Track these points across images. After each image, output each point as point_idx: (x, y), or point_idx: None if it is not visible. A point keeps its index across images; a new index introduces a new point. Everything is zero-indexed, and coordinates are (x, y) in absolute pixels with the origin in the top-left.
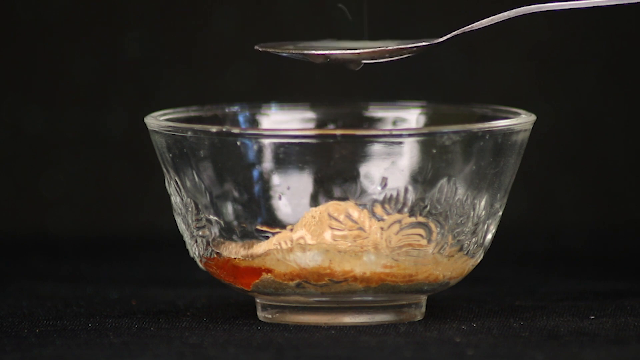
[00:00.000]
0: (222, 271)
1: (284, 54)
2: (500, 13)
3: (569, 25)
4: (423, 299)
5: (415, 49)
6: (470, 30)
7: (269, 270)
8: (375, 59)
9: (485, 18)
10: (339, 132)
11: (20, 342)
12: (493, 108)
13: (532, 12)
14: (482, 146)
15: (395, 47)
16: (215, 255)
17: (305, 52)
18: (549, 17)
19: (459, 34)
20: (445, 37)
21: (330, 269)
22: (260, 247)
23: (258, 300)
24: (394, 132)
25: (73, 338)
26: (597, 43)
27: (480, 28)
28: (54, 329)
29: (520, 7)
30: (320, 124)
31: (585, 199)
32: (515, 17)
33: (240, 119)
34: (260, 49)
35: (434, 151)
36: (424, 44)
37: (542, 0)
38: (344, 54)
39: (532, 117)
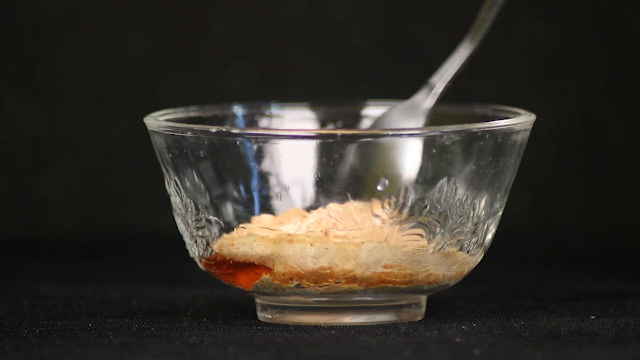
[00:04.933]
0: (222, 271)
1: None
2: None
3: (570, 25)
4: (423, 298)
5: None
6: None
7: (268, 270)
8: None
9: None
10: (339, 132)
11: (20, 342)
12: (493, 108)
13: None
14: (482, 146)
15: None
16: (215, 254)
17: None
18: (549, 17)
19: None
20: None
21: (330, 269)
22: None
23: (258, 301)
24: (394, 132)
25: (73, 338)
26: (597, 42)
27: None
28: (54, 329)
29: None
30: (320, 124)
31: (585, 198)
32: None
33: (240, 119)
34: None
35: (434, 151)
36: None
37: None
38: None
39: (532, 117)
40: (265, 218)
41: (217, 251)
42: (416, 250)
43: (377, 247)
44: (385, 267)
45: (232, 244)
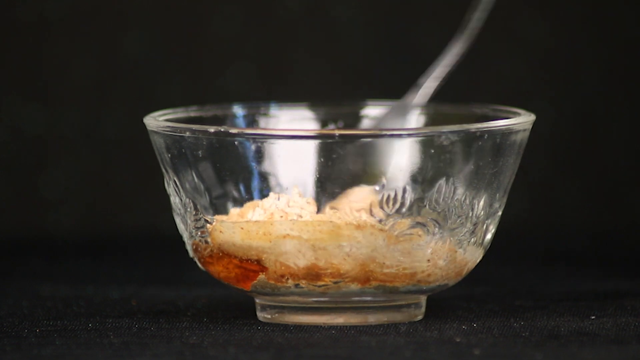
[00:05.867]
0: (222, 268)
1: None
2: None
3: (570, 25)
4: (423, 298)
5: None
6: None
7: (264, 269)
8: None
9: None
10: (338, 132)
11: (20, 342)
12: (493, 108)
13: None
14: (481, 146)
15: None
16: (207, 243)
17: None
18: (549, 17)
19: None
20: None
21: (326, 268)
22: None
23: (257, 301)
24: (393, 132)
25: (73, 338)
26: (597, 42)
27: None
28: (54, 329)
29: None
30: (321, 124)
31: (585, 198)
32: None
33: (240, 119)
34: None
35: (432, 151)
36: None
37: None
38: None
39: (531, 117)
40: (234, 211)
41: (209, 237)
42: (415, 250)
43: (376, 247)
44: (384, 267)
45: (221, 231)
